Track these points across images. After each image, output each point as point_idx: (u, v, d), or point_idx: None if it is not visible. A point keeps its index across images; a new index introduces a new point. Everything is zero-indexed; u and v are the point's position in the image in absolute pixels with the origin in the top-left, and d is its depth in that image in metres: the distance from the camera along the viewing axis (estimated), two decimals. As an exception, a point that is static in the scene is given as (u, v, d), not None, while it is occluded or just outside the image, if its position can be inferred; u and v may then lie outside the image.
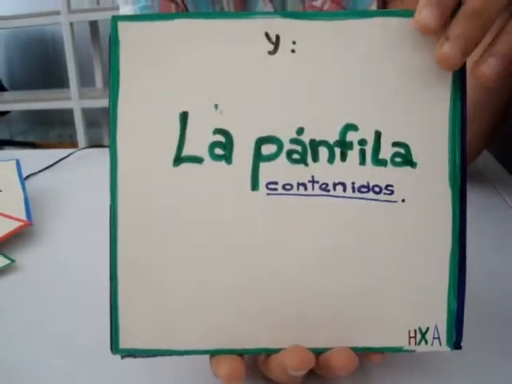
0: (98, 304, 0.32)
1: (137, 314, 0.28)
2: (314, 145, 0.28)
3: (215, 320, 0.28)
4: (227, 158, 0.28)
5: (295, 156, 0.28)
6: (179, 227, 0.28)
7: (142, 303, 0.28)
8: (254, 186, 0.28)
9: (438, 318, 0.29)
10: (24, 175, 0.66)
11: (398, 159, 0.28)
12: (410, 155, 0.28)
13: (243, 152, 0.28)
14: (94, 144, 0.93)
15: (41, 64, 2.71)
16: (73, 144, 2.61)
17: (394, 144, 0.28)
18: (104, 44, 2.30)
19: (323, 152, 0.28)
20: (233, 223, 0.28)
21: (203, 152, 0.28)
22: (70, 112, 2.11)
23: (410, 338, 0.29)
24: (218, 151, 0.28)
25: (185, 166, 0.28)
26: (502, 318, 0.37)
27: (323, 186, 0.28)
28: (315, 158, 0.28)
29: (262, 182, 0.28)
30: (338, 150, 0.28)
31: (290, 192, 0.28)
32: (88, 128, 2.14)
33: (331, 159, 0.28)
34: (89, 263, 0.45)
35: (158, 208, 0.28)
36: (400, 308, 0.29)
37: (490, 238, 0.48)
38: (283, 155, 0.28)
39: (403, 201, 0.28)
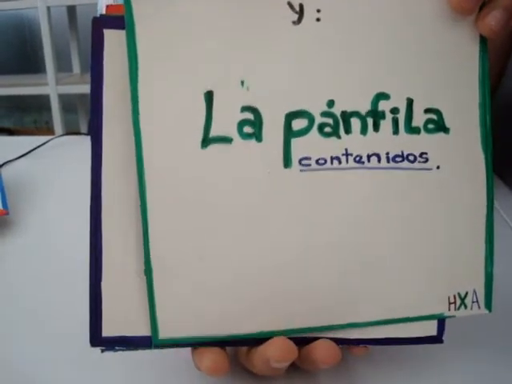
0: (76, 294, 0.31)
1: (173, 302, 0.27)
2: (346, 116, 0.27)
3: (253, 302, 0.27)
4: (257, 135, 0.27)
5: (327, 129, 0.27)
6: (212, 210, 0.27)
7: (178, 291, 0.27)
8: (287, 163, 0.27)
9: (476, 282, 0.29)
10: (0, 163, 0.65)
11: (430, 126, 0.28)
12: (443, 121, 0.28)
13: (273, 129, 0.27)
14: (71, 131, 0.92)
15: (17, 49, 2.65)
16: (49, 130, 2.57)
17: (427, 110, 0.27)
18: (81, 29, 2.26)
19: (355, 123, 0.27)
20: (267, 202, 0.27)
21: (232, 131, 0.26)
22: (46, 98, 2.07)
23: (449, 304, 0.29)
24: (248, 129, 0.26)
25: (213, 147, 0.26)
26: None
27: (357, 159, 0.27)
28: (348, 130, 0.27)
29: (295, 158, 0.27)
30: (370, 121, 0.27)
31: (324, 167, 0.27)
32: (64, 114, 2.11)
33: (364, 130, 0.27)
34: (66, 253, 0.45)
35: (189, 193, 0.26)
36: (438, 275, 0.28)
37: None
38: (315, 129, 0.27)
39: (438, 168, 0.28)
